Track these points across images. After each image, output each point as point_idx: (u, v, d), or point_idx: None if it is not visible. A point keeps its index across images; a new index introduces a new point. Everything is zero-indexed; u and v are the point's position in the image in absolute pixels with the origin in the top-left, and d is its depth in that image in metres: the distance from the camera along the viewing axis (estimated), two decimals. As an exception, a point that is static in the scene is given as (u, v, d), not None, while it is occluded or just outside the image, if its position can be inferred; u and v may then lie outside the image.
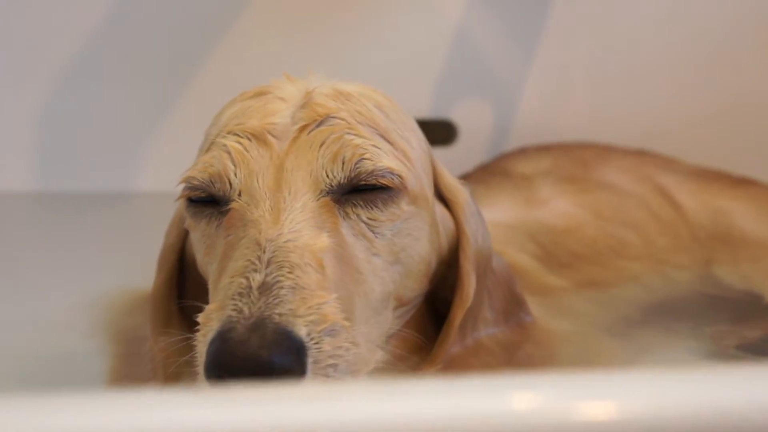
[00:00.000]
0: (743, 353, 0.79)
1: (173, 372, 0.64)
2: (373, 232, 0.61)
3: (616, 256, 0.96)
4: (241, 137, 0.62)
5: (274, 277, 0.54)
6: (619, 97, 1.37)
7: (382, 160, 0.61)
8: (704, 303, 0.93)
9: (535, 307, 0.76)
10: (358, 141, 0.61)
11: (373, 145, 0.62)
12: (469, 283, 0.65)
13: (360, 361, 0.56)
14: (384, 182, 0.61)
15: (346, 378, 0.54)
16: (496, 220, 0.92)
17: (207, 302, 0.60)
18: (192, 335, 0.57)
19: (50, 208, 1.29)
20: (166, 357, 0.66)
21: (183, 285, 0.73)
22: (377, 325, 0.62)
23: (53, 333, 0.80)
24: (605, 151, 1.17)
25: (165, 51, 1.32)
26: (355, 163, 0.60)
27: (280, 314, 0.52)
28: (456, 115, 1.38)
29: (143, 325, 0.73)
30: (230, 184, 0.61)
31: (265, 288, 0.53)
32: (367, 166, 0.60)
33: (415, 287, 0.66)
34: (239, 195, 0.60)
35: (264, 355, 0.50)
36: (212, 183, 0.61)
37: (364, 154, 0.61)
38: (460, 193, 0.70)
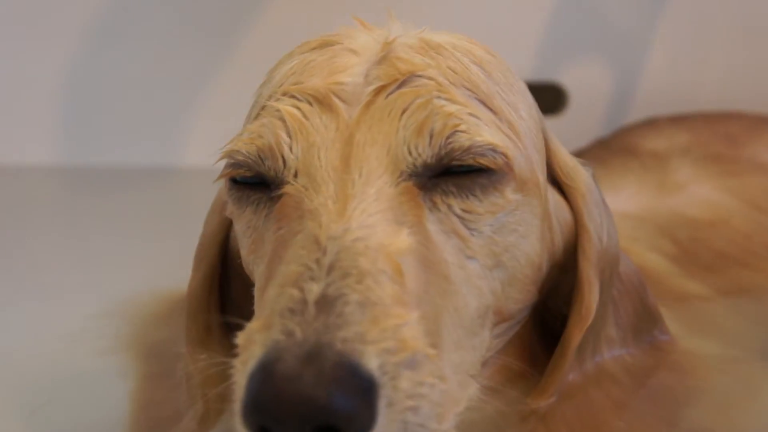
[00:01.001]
0: None
1: (215, 403, 0.59)
2: (469, 229, 0.56)
3: (775, 258, 0.90)
4: (300, 100, 0.57)
5: (337, 289, 0.47)
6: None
7: (482, 133, 0.56)
8: None
9: (670, 321, 0.70)
10: (452, 108, 0.55)
11: (471, 114, 0.56)
12: (591, 292, 0.60)
13: (448, 400, 0.49)
14: (484, 162, 0.55)
15: (429, 424, 0.47)
16: (620, 209, 0.86)
17: (253, 311, 0.56)
18: (231, 358, 0.50)
19: (79, 186, 1.28)
20: (205, 381, 0.61)
21: (227, 287, 0.68)
22: (471, 350, 0.56)
23: (68, 345, 0.74)
24: (758, 124, 1.12)
25: (211, 3, 1.33)
26: (447, 137, 0.55)
27: (343, 340, 0.45)
28: (566, 77, 1.35)
29: (177, 337, 0.68)
30: (284, 160, 0.55)
31: (324, 303, 0.47)
32: (463, 140, 0.55)
33: (519, 298, 0.60)
34: (295, 176, 0.55)
35: (321, 397, 0.43)
36: (261, 159, 0.56)
37: (458, 125, 0.55)
38: (579, 176, 0.64)
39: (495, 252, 0.57)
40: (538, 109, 0.65)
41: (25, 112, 1.31)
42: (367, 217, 0.51)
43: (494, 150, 0.55)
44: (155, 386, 0.67)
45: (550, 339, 0.63)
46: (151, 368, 0.70)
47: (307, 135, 0.55)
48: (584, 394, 0.61)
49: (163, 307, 0.78)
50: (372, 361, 0.45)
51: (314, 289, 0.47)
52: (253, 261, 0.59)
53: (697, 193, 0.95)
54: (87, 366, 0.72)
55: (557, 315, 0.63)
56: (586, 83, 1.33)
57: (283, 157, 0.55)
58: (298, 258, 0.50)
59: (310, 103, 0.56)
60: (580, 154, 1.06)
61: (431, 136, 0.54)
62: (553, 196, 0.63)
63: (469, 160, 0.55)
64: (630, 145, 1.08)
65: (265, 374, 0.44)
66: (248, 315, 0.54)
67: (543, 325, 0.65)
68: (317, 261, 0.49)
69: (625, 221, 0.86)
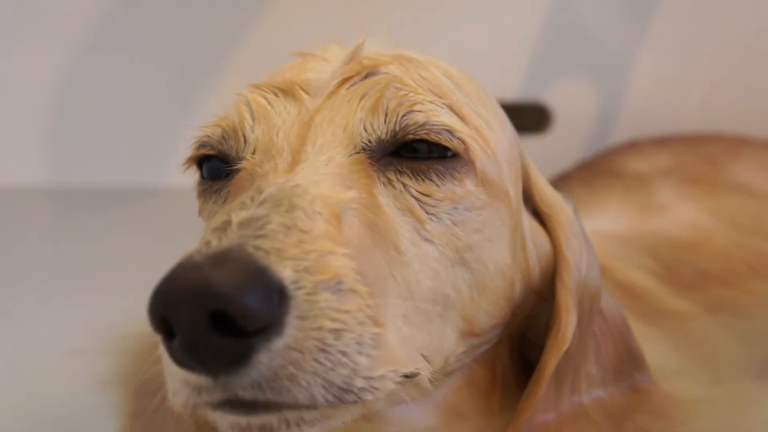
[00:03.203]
0: None
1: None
2: (427, 213, 0.55)
3: (755, 276, 0.91)
4: (266, 92, 0.58)
5: (263, 213, 0.46)
6: (754, 78, 1.34)
7: (439, 115, 0.56)
8: None
9: (657, 339, 0.71)
10: (407, 93, 0.56)
11: (430, 102, 0.56)
12: (567, 318, 0.59)
13: (385, 351, 0.48)
14: (439, 140, 0.55)
15: (356, 361, 0.45)
16: (604, 230, 0.89)
17: None
18: None
19: (70, 206, 1.25)
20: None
21: None
22: (426, 333, 0.54)
23: (56, 379, 0.73)
24: (738, 145, 1.13)
25: (205, 20, 1.32)
26: (402, 115, 0.55)
27: (257, 247, 0.44)
28: (551, 97, 1.34)
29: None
30: (245, 139, 0.56)
31: (248, 222, 0.46)
32: (418, 118, 0.55)
33: (491, 311, 0.59)
34: (253, 153, 0.56)
35: (218, 284, 0.41)
36: (224, 139, 0.57)
37: (413, 105, 0.55)
38: (560, 206, 0.64)
39: (457, 246, 0.56)
40: (518, 137, 0.65)
41: (8, 133, 1.29)
42: (313, 174, 0.51)
43: (451, 132, 0.55)
44: (144, 423, 0.65)
45: (530, 373, 0.62)
46: (140, 403, 0.67)
47: (270, 118, 0.56)
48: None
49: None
50: (285, 272, 0.44)
51: (241, 215, 0.46)
52: None
53: (679, 213, 0.97)
54: (72, 403, 0.70)
55: (536, 347, 0.62)
56: (571, 103, 1.33)
57: (244, 136, 0.56)
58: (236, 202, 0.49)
59: (276, 95, 0.58)
60: (564, 176, 1.09)
61: (386, 114, 0.55)
62: (529, 221, 0.63)
63: (422, 134, 0.55)
64: (613, 167, 1.09)
65: (170, 272, 0.43)
66: None
67: (522, 360, 0.64)
68: (252, 198, 0.48)
69: (611, 241, 0.87)
